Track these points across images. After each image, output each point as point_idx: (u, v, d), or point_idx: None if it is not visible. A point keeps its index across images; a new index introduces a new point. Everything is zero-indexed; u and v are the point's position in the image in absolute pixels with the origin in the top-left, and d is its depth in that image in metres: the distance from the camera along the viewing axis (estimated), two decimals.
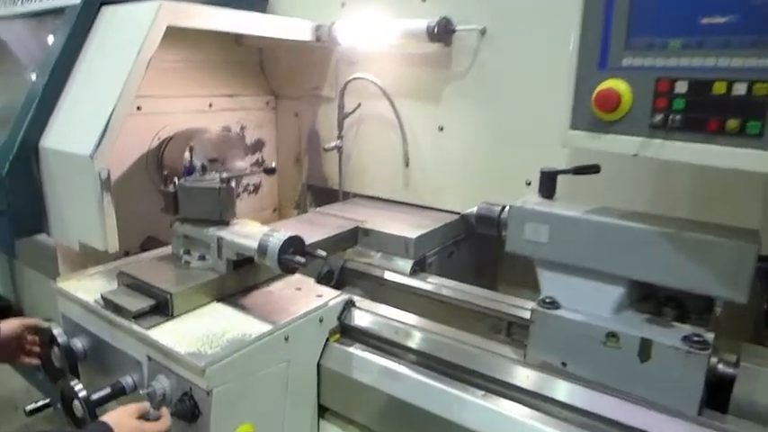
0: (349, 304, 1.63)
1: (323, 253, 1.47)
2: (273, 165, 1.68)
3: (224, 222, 1.60)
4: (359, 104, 2.42)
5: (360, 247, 2.11)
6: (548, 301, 1.36)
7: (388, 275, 1.98)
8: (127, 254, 2.22)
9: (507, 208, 1.47)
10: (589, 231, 1.32)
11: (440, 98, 2.24)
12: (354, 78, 2.36)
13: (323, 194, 2.77)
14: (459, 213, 2.26)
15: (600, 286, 1.33)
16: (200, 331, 1.40)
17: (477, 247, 2.38)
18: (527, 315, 1.66)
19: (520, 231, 1.42)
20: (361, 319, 1.61)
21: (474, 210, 1.56)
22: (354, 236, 2.12)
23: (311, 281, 1.75)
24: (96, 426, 1.17)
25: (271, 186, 2.88)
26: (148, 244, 2.30)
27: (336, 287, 2.04)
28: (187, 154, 1.80)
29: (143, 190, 2.24)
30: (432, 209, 2.36)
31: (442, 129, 2.26)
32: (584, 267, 1.34)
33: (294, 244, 1.45)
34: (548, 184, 1.47)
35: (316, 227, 2.11)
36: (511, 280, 2.41)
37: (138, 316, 1.44)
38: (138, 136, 2.18)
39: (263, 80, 2.76)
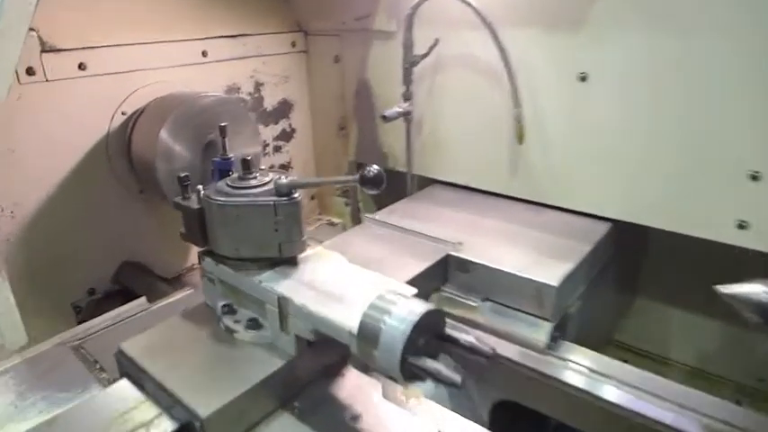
0: None
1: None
2: (376, 169, 0.84)
3: (286, 261, 0.96)
4: (436, 41, 1.55)
5: (452, 289, 1.27)
6: None
7: (507, 351, 1.14)
8: (92, 292, 1.49)
9: None
10: None
11: (581, 24, 1.31)
12: None
13: None
14: (605, 219, 1.39)
15: None
16: None
17: (623, 263, 1.52)
18: None
19: None
20: None
21: (749, 291, 0.67)
22: (443, 269, 1.27)
23: (379, 387, 0.94)
24: None
25: (304, 165, 2.05)
26: (124, 273, 1.55)
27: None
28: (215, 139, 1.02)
29: (107, 192, 1.48)
30: (557, 208, 1.49)
31: (584, 78, 1.35)
32: None
33: (429, 327, 0.76)
34: None
35: (376, 254, 1.27)
36: (654, 292, 1.62)
37: None
38: (88, 110, 1.39)
39: (285, 10, 1.87)
